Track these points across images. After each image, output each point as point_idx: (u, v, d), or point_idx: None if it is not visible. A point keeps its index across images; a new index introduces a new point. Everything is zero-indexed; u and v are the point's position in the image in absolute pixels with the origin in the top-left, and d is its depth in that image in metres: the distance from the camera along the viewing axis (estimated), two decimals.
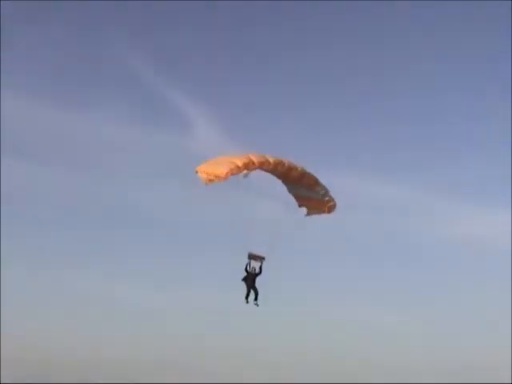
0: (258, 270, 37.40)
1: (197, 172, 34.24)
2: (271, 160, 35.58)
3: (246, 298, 36.89)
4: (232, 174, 33.97)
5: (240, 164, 34.43)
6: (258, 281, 37.14)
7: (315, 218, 36.23)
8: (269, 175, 37.21)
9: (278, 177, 37.31)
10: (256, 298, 37.28)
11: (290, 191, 38.44)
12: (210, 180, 34.04)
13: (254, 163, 34.79)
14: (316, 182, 38.71)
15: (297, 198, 38.70)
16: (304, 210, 39.63)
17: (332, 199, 39.48)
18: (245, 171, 34.59)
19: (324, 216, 39.81)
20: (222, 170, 34.05)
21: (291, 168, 36.90)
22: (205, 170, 34.48)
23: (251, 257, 36.50)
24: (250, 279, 37.49)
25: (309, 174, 37.66)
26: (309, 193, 38.63)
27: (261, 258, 36.74)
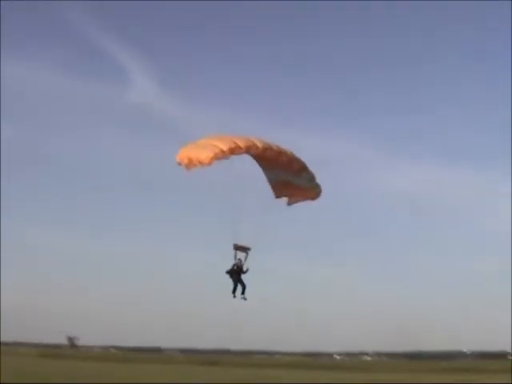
0: (243, 262, 35.93)
1: (178, 162, 32.56)
2: (259, 144, 33.60)
3: (234, 292, 36.03)
4: (217, 159, 31.82)
5: (225, 148, 32.22)
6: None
7: None
8: (252, 160, 35.32)
9: (265, 162, 35.39)
10: (243, 292, 37.04)
11: (274, 178, 36.84)
12: (194, 165, 32.11)
13: (240, 147, 32.70)
14: (304, 167, 37.17)
15: (280, 185, 37.19)
16: (284, 199, 38.14)
17: (318, 185, 38.42)
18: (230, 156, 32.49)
19: (308, 203, 38.90)
20: (205, 154, 32.05)
21: (280, 153, 35.14)
22: (187, 155, 32.64)
23: (236, 248, 35.85)
24: (236, 273, 36.63)
25: (297, 158, 36.05)
26: (296, 179, 37.30)
27: (246, 249, 35.85)
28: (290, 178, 36.63)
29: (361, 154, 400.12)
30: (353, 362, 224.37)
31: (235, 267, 35.44)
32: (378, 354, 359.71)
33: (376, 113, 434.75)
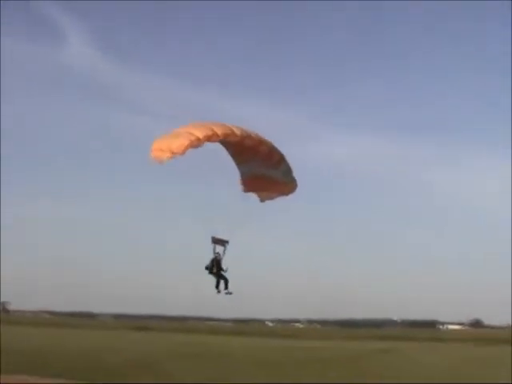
0: (222, 256, 36.03)
1: (152, 158, 32.47)
2: (238, 132, 30.66)
3: (217, 287, 35.92)
4: (192, 147, 28.76)
5: (201, 136, 29.48)
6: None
7: None
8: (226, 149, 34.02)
9: (243, 152, 32.18)
10: (226, 287, 36.91)
11: (248, 171, 35.45)
12: (168, 157, 31.58)
13: (217, 135, 30.09)
14: (282, 159, 36.56)
15: (253, 179, 35.64)
16: (254, 194, 38.17)
17: (295, 180, 37.67)
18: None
19: (281, 199, 38.70)
20: (179, 142, 28.88)
21: (261, 142, 30.78)
22: (159, 146, 29.28)
23: (215, 241, 35.14)
24: (217, 267, 37.13)
25: (276, 149, 35.27)
26: (273, 172, 35.42)
27: (224, 242, 34.97)
28: (265, 171, 35.32)
29: (296, 123, 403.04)
30: (285, 328, 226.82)
31: (214, 262, 35.27)
32: (310, 322, 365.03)
33: (310, 85, 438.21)
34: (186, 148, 28.25)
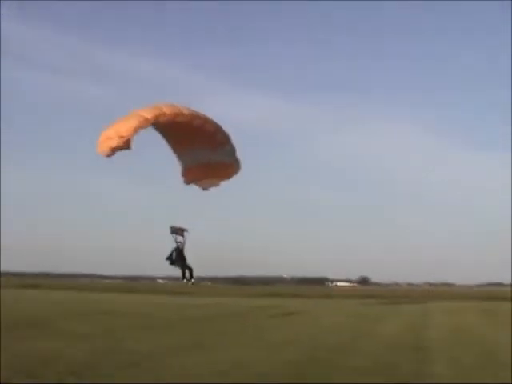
0: (183, 245, 34.91)
1: (98, 150, 30.93)
2: (186, 111, 31.82)
3: (183, 278, 34.81)
4: (141, 128, 29.87)
5: (149, 116, 30.34)
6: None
7: None
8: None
9: (189, 132, 32.86)
10: (192, 277, 36.00)
11: (191, 159, 31.68)
12: (113, 147, 28.93)
13: (165, 114, 30.86)
14: (227, 139, 36.28)
15: (197, 168, 34.73)
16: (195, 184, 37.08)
17: (238, 160, 37.06)
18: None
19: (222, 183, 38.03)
20: (129, 125, 29.64)
21: (207, 121, 33.07)
22: (106, 135, 29.54)
23: (174, 231, 34.45)
24: (180, 257, 36.29)
25: (221, 128, 34.15)
26: (218, 154, 34.98)
27: (183, 231, 34.45)
28: (210, 155, 34.73)
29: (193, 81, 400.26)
30: (175, 285, 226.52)
31: (180, 245, 34.21)
32: (201, 279, 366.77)
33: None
34: (136, 130, 29.16)
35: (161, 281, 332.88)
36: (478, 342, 30.04)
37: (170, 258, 34.51)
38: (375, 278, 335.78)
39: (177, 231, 33.93)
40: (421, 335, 33.50)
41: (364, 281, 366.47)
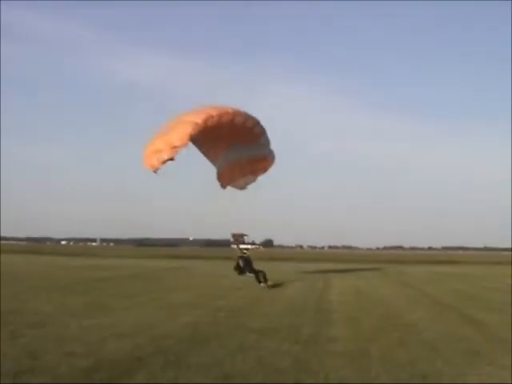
0: (248, 253, 36.50)
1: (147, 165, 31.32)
2: (230, 110, 33.01)
3: (260, 282, 36.06)
4: (193, 135, 31.19)
5: (200, 121, 31.36)
6: None
7: None
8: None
9: (232, 129, 33.94)
10: (266, 279, 36.42)
11: (226, 159, 36.15)
12: (163, 160, 30.60)
13: (213, 116, 31.82)
14: (263, 132, 36.88)
15: (232, 166, 36.66)
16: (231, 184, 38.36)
17: (273, 152, 38.34)
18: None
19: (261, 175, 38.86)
20: (182, 132, 30.91)
21: (247, 117, 34.67)
22: (153, 149, 31.10)
23: (235, 238, 34.00)
24: (247, 264, 36.88)
25: (259, 122, 35.85)
26: (253, 150, 36.85)
27: (243, 236, 34.16)
28: (249, 151, 36.09)
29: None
30: (79, 247, 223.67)
31: (241, 261, 36.80)
32: (105, 241, 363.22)
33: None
34: (189, 137, 30.62)
35: (64, 242, 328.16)
36: (380, 305, 30.66)
37: (237, 267, 35.12)
38: (279, 240, 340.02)
39: (238, 238, 35.02)
40: (323, 297, 33.94)
41: (268, 243, 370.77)
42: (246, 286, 41.28)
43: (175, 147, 30.54)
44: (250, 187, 38.47)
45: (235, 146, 34.55)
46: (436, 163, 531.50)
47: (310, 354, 16.73)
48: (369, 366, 15.34)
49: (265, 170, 37.36)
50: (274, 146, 36.64)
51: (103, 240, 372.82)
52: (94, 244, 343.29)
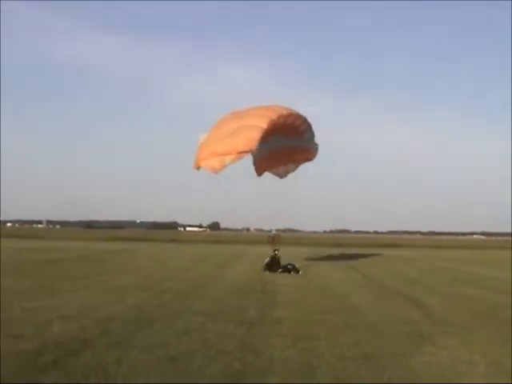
0: (278, 253, 39.08)
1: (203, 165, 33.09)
2: (284, 112, 34.84)
3: (291, 272, 37.90)
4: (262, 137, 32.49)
5: (265, 126, 32.98)
6: None
7: None
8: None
9: (284, 127, 35.89)
10: (298, 271, 38.19)
11: (270, 146, 37.36)
12: (228, 162, 32.22)
13: (273, 120, 33.61)
14: (309, 127, 39.03)
15: (275, 153, 38.19)
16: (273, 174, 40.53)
17: (317, 145, 40.91)
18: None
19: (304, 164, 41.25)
20: (252, 135, 32.40)
21: (298, 116, 36.70)
22: (212, 151, 32.55)
23: (270, 240, 35.73)
24: (276, 263, 39.14)
25: (306, 119, 37.96)
26: (296, 142, 38.91)
27: (278, 237, 35.63)
28: (295, 142, 38.34)
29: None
30: (25, 229, 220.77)
31: (269, 260, 39.44)
32: (52, 223, 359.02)
33: None
34: (257, 142, 31.98)
35: (9, 224, 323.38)
36: (325, 287, 31.04)
37: (268, 266, 36.98)
38: (225, 223, 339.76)
39: (273, 239, 37.05)
40: (268, 280, 34.20)
41: (215, 226, 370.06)
42: (193, 268, 41.41)
43: (241, 152, 31.86)
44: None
45: (277, 137, 36.01)
46: (373, 146, 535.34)
47: (255, 336, 16.88)
48: (313, 347, 15.55)
49: (307, 160, 40.00)
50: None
51: (49, 222, 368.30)
52: (40, 226, 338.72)
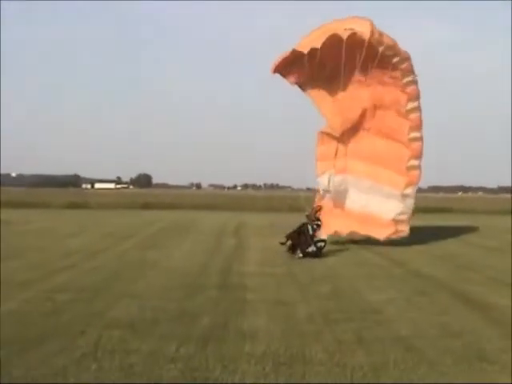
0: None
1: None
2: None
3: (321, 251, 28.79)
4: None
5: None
6: None
7: None
8: None
9: None
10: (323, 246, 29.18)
11: None
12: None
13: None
14: None
15: None
16: None
17: None
18: None
19: None
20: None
21: None
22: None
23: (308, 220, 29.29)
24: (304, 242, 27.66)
25: None
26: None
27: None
28: None
29: None
30: None
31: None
32: None
33: None
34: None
35: None
36: (326, 278, 22.86)
37: (293, 246, 28.58)
38: (160, 177, 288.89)
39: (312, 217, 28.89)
40: (229, 267, 25.53)
41: (143, 181, 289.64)
42: (107, 249, 31.05)
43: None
44: None
45: None
46: None
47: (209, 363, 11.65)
48: None
49: None
50: None
51: None
52: None
